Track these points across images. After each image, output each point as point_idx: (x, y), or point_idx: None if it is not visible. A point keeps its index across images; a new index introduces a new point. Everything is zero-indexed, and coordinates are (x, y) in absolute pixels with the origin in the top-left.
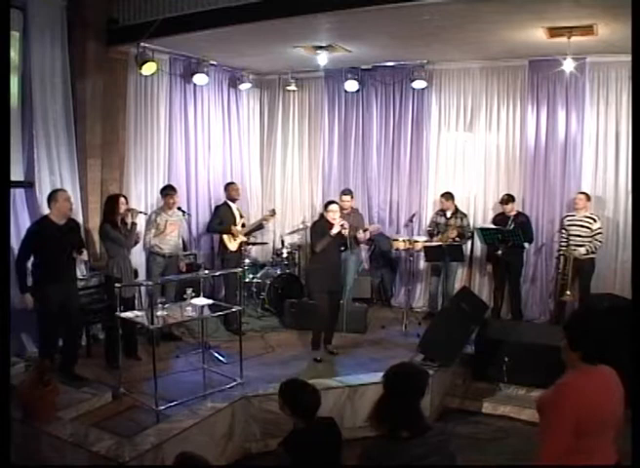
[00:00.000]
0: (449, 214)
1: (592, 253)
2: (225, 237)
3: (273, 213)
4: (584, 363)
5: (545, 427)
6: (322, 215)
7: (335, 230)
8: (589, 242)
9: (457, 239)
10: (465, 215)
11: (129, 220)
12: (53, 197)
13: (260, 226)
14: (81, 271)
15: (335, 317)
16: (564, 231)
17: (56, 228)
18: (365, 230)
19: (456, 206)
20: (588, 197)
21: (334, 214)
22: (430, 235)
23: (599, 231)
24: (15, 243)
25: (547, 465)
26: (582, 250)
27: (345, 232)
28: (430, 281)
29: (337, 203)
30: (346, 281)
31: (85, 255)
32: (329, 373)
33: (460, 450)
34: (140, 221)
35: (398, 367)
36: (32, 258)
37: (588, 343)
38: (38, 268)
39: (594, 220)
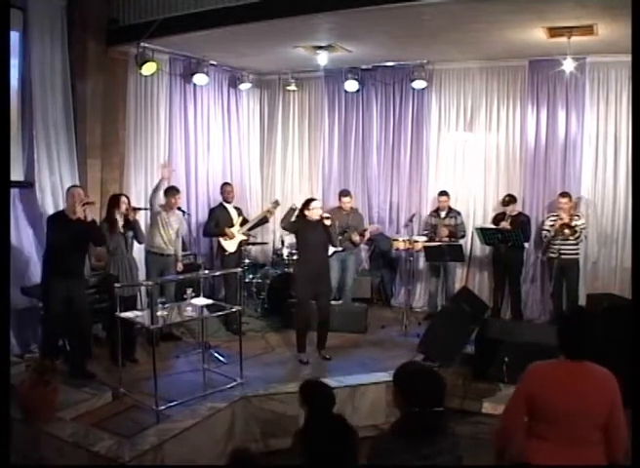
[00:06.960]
0: (443, 214)
1: (577, 252)
2: (222, 239)
3: (277, 204)
4: (567, 359)
5: None
6: (292, 213)
7: (327, 222)
8: (575, 241)
9: (452, 239)
10: (459, 214)
11: (131, 218)
12: (67, 192)
13: (264, 220)
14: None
15: (324, 321)
16: (546, 232)
17: (66, 222)
18: (364, 231)
19: (449, 205)
20: (570, 198)
21: (318, 212)
22: (431, 239)
23: (584, 226)
24: (15, 243)
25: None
26: (570, 249)
27: (328, 222)
28: (430, 281)
29: (316, 199)
30: (346, 281)
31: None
32: (329, 373)
33: (461, 451)
34: (142, 219)
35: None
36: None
37: (566, 341)
38: (46, 261)
39: (578, 217)
